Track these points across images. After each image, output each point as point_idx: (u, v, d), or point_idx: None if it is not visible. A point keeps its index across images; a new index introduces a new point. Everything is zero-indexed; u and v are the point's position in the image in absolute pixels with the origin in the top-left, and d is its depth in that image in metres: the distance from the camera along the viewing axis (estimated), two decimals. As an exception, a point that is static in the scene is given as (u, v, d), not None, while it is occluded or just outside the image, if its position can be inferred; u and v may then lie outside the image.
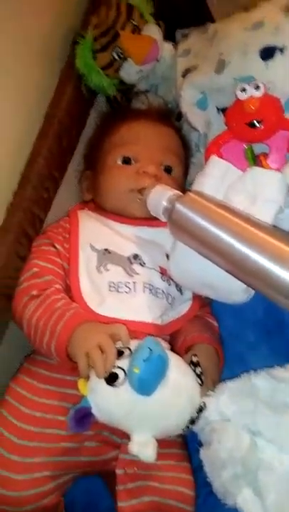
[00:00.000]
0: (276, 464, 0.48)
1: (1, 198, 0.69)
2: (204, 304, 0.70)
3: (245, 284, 0.55)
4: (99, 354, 0.53)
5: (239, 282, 0.58)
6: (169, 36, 0.83)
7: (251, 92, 0.65)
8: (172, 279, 0.67)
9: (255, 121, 0.64)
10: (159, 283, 0.66)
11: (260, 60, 0.66)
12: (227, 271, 0.54)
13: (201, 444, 0.53)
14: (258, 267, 0.50)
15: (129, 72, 0.79)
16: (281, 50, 0.66)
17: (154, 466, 0.56)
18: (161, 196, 0.61)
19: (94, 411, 0.53)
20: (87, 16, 0.82)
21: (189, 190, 0.59)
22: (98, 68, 0.79)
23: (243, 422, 0.50)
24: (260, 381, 0.52)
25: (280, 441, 0.49)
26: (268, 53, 0.66)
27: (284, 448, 0.49)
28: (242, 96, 0.65)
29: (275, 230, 0.54)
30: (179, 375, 0.53)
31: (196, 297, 0.69)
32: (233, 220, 0.53)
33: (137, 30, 0.78)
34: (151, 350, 0.51)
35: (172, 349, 0.59)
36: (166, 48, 0.81)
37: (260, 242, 0.51)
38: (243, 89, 0.65)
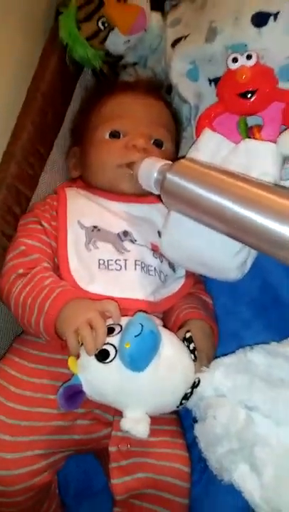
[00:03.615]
0: (273, 439, 0.48)
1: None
2: (198, 282, 0.69)
3: (246, 244, 0.53)
4: (89, 331, 0.52)
5: (233, 259, 0.57)
6: (159, 7, 0.80)
7: (243, 61, 0.63)
8: (164, 257, 0.65)
9: (247, 92, 0.62)
10: (151, 260, 0.65)
11: (253, 26, 0.63)
12: (227, 234, 0.52)
13: (195, 421, 0.52)
14: (259, 226, 0.48)
15: (116, 42, 0.76)
16: (275, 15, 0.63)
17: (148, 443, 0.55)
18: (151, 168, 0.59)
19: (85, 388, 0.51)
20: (71, -16, 0.79)
21: (179, 158, 0.57)
22: (83, 39, 0.76)
23: (239, 397, 0.49)
24: (255, 356, 0.52)
25: (277, 416, 0.48)
26: (261, 20, 0.63)
27: (280, 423, 0.48)
28: (233, 66, 0.63)
29: (274, 187, 0.52)
30: (171, 351, 0.52)
31: (190, 274, 0.68)
32: (229, 181, 0.51)
33: (122, -2, 0.75)
34: (142, 326, 0.50)
35: (165, 326, 0.58)
36: (154, 17, 0.78)
37: (260, 199, 0.49)
38: (235, 59, 0.63)
